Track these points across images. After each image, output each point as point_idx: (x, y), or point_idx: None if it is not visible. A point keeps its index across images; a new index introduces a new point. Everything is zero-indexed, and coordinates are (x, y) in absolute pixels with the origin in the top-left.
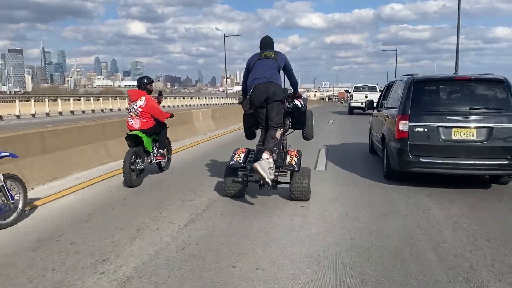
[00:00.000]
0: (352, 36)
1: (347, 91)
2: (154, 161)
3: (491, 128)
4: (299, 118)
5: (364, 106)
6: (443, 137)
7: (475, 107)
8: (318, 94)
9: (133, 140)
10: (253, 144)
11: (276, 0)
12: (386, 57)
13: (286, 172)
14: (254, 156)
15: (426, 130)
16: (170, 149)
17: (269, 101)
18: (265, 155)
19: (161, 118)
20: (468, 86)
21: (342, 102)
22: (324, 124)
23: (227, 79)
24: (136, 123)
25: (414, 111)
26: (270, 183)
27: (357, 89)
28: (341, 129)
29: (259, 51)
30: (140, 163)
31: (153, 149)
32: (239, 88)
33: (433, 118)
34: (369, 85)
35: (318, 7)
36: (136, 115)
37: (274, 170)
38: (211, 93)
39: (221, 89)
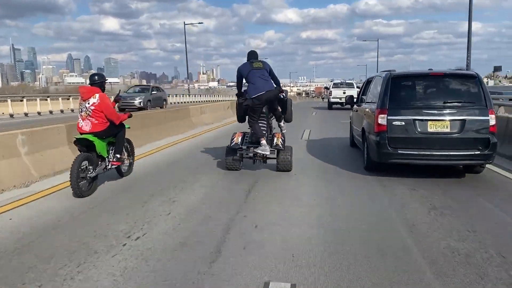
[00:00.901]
0: (327, 31)
1: (326, 88)
2: (109, 167)
3: (463, 120)
4: (282, 106)
5: (342, 101)
6: (419, 129)
7: (449, 101)
8: (294, 89)
9: (84, 144)
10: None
11: None
12: (361, 51)
13: (275, 150)
14: (249, 138)
15: (403, 123)
16: (132, 152)
17: (270, 102)
18: (263, 141)
19: (115, 119)
20: (442, 81)
21: (323, 98)
22: (308, 116)
23: (204, 75)
24: (86, 125)
25: (392, 105)
26: (269, 155)
27: (335, 85)
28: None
29: (246, 60)
30: (92, 170)
31: (108, 154)
32: (215, 83)
33: (410, 112)
34: (346, 81)
35: (293, 3)
36: (88, 114)
37: (267, 147)
38: (183, 90)
39: (196, 85)
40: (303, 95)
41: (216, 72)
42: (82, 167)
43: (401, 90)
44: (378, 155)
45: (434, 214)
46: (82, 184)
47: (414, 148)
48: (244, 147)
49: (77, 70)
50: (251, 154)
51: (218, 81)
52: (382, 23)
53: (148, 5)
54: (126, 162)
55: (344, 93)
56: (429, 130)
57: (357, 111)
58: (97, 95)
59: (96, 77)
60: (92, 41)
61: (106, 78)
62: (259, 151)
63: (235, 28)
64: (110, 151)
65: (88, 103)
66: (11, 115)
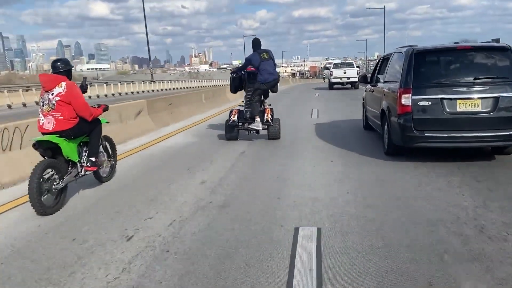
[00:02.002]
0: (320, 9)
1: (327, 68)
2: (83, 173)
3: (496, 98)
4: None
5: (343, 81)
6: (447, 109)
7: (480, 77)
8: (288, 69)
9: (47, 147)
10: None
11: None
12: (355, 29)
13: (266, 125)
14: (244, 115)
15: (429, 103)
16: (113, 153)
17: (272, 87)
18: (257, 118)
19: (87, 115)
20: (470, 55)
21: (324, 79)
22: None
23: (196, 58)
24: (49, 122)
25: (416, 84)
26: (261, 129)
27: (336, 66)
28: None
29: (252, 48)
30: (58, 180)
31: (81, 157)
32: (206, 66)
33: (437, 91)
34: (346, 61)
35: None
36: (51, 108)
37: (260, 123)
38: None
39: (187, 68)
40: (297, 75)
41: (209, 55)
42: (45, 177)
43: (426, 66)
44: (403, 139)
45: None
46: (47, 199)
47: (442, 130)
48: (240, 124)
49: (68, 57)
50: (246, 127)
51: (211, 64)
52: None
53: None
54: (106, 164)
55: (344, 73)
56: (458, 109)
57: (372, 91)
58: (63, 84)
59: (59, 63)
60: (82, 27)
61: (72, 65)
62: (253, 127)
63: (226, 9)
64: (84, 153)
65: (52, 94)
66: None
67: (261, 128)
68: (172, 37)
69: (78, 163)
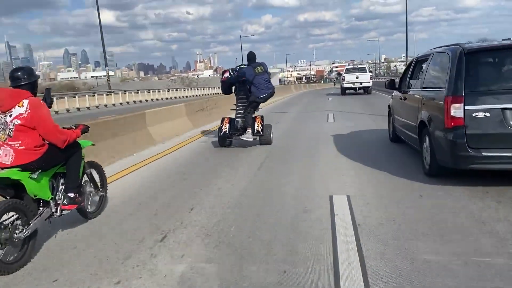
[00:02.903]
0: (325, 13)
1: (339, 74)
2: (58, 213)
3: None
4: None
5: (355, 86)
6: (511, 122)
7: None
8: (294, 74)
9: (6, 184)
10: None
11: None
12: (360, 32)
13: (257, 137)
14: (236, 124)
15: (488, 114)
16: (102, 182)
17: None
18: (249, 130)
19: (58, 141)
20: None
21: (334, 83)
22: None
23: (201, 63)
24: (6, 155)
25: (469, 91)
26: (251, 140)
27: (348, 71)
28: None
29: (247, 61)
30: (23, 227)
31: (55, 193)
32: (210, 72)
33: (496, 99)
34: (359, 66)
35: None
36: (8, 136)
37: (251, 135)
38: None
39: (190, 74)
40: (303, 80)
41: (214, 60)
42: (5, 223)
43: (480, 69)
44: (453, 159)
45: None
46: (7, 252)
47: (505, 148)
48: (231, 134)
49: (74, 65)
50: (238, 139)
51: (216, 69)
52: (379, 2)
53: None
54: (93, 195)
55: (357, 77)
56: None
57: (404, 99)
58: (25, 102)
59: (20, 73)
60: (88, 35)
61: (38, 76)
62: (244, 138)
63: (231, 14)
64: (60, 187)
65: (10, 116)
66: None
67: (251, 139)
68: (178, 43)
69: (51, 201)
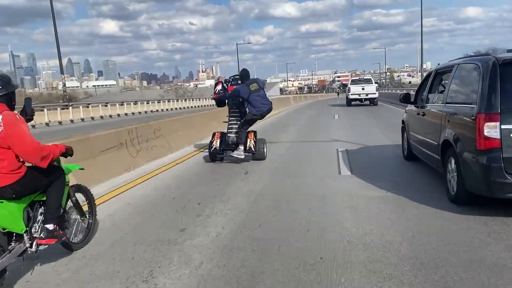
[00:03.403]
0: (326, 24)
1: (344, 85)
2: (34, 249)
3: None
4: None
5: (361, 97)
6: None
7: None
8: (296, 83)
9: None
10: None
11: None
12: (362, 42)
13: (249, 154)
14: (226, 140)
15: None
16: (91, 208)
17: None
18: (241, 147)
19: (37, 159)
20: None
21: (338, 94)
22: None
23: (204, 72)
24: None
25: (506, 107)
26: (243, 157)
27: (354, 82)
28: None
29: (241, 79)
30: None
31: (31, 225)
32: (211, 82)
33: None
34: (365, 77)
35: None
36: None
37: (242, 152)
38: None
39: (192, 83)
40: (305, 89)
41: (216, 70)
42: None
43: None
44: (487, 186)
45: None
46: None
47: None
48: (221, 150)
49: (77, 74)
50: (229, 156)
51: (218, 78)
52: (381, 13)
53: (146, 6)
54: (81, 224)
55: (363, 89)
56: None
57: (422, 114)
58: None
59: None
60: (92, 45)
61: (15, 85)
62: (235, 155)
63: (234, 25)
64: (38, 217)
65: None
66: None
67: (243, 157)
68: (181, 53)
69: (25, 234)
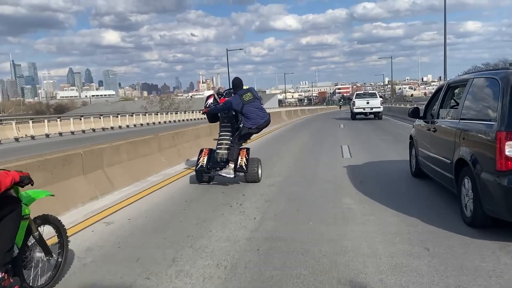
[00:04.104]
0: (327, 37)
1: (349, 98)
2: None
3: None
4: None
5: (366, 111)
6: None
7: None
8: (296, 95)
9: None
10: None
11: (249, 4)
12: (362, 55)
13: (238, 173)
14: (215, 157)
15: None
16: (62, 242)
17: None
18: (231, 165)
19: None
20: None
21: (340, 106)
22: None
23: (204, 83)
24: None
25: None
26: (232, 177)
27: (358, 96)
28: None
29: (233, 89)
30: None
31: None
32: (210, 92)
33: None
34: (369, 92)
35: (291, 9)
36: None
37: (232, 171)
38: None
39: (190, 94)
40: (305, 101)
41: (217, 81)
42: None
43: None
44: (509, 210)
45: None
46: None
47: None
48: (208, 167)
49: (78, 84)
50: (218, 175)
51: (219, 89)
52: (381, 26)
53: (148, 17)
54: (46, 264)
55: (367, 103)
56: None
57: (433, 130)
58: None
59: None
60: (93, 55)
61: None
62: (224, 174)
63: (235, 37)
64: None
65: None
66: None
67: (232, 176)
68: (182, 64)
69: None
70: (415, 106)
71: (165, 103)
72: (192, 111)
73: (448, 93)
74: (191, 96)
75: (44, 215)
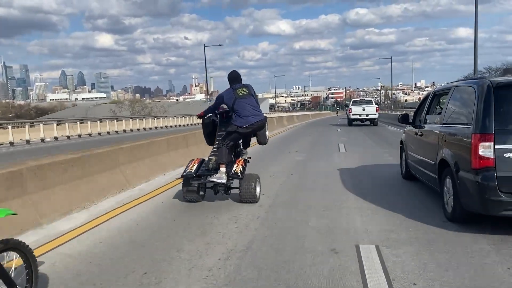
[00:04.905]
0: (320, 42)
1: (346, 105)
2: None
3: None
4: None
5: (362, 118)
6: None
7: None
8: (289, 99)
9: None
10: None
11: (243, 8)
12: (355, 60)
13: (232, 179)
14: (207, 165)
15: None
16: (29, 276)
17: (257, 131)
18: (222, 168)
19: None
20: None
21: (337, 112)
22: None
23: (197, 87)
24: None
25: (500, 128)
26: (225, 183)
27: (355, 103)
28: None
29: (229, 84)
30: None
31: None
32: (202, 96)
33: None
34: (365, 99)
35: (285, 14)
36: None
37: (225, 175)
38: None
39: (181, 98)
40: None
41: (210, 84)
42: None
43: (511, 105)
44: (482, 204)
45: None
46: None
47: None
48: (202, 175)
49: (70, 86)
50: (208, 183)
51: (211, 93)
52: (374, 32)
53: (141, 20)
54: None
55: (363, 109)
56: None
57: (420, 134)
58: None
59: None
60: (87, 58)
61: None
62: (214, 179)
63: (229, 41)
64: None
65: None
66: None
67: (224, 181)
68: (176, 67)
69: None
70: (404, 112)
71: (135, 107)
72: (171, 117)
73: (434, 100)
74: (176, 100)
75: (5, 240)
